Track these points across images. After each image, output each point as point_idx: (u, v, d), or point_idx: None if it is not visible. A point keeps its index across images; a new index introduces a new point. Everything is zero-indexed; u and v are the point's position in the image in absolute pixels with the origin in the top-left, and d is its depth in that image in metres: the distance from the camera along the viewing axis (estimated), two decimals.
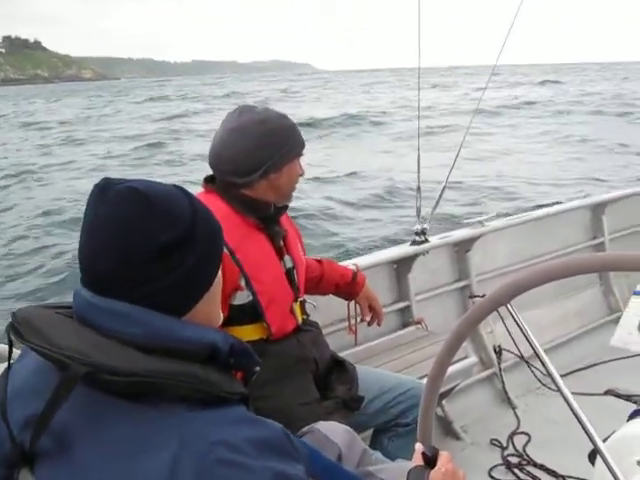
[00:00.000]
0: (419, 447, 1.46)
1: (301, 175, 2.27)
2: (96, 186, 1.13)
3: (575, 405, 1.30)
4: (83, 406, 1.05)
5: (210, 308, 1.20)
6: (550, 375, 1.37)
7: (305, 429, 1.76)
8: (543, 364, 1.38)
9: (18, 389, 1.17)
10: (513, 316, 1.40)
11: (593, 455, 1.50)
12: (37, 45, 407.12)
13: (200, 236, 1.13)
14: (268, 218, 2.23)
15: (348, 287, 2.66)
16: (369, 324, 2.74)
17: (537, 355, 1.39)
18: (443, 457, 1.42)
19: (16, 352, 1.19)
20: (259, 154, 2.14)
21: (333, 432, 1.73)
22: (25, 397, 1.14)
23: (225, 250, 2.00)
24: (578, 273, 1.29)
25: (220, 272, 1.21)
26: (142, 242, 1.08)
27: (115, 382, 0.99)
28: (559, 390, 1.34)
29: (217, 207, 2.12)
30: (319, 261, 2.65)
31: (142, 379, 1.00)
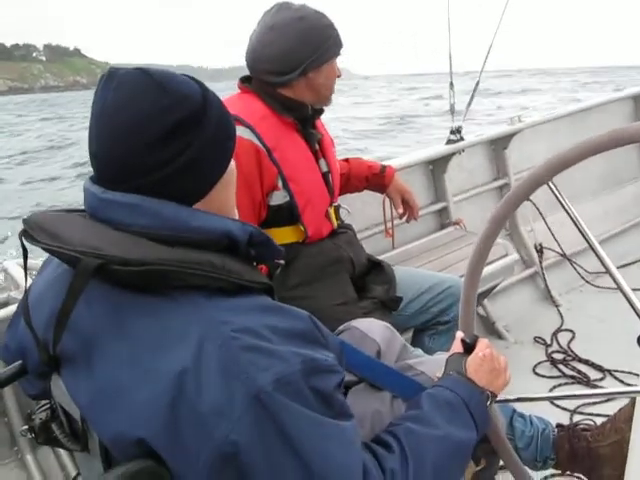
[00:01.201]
0: (459, 335, 1.42)
1: (338, 76, 2.20)
2: (102, 75, 1.08)
3: (626, 287, 1.24)
4: (101, 303, 1.04)
5: (225, 197, 1.14)
6: (602, 262, 1.29)
7: (342, 327, 1.73)
8: (593, 250, 1.30)
9: (39, 296, 1.17)
10: (557, 197, 1.32)
11: None
12: (76, 52, 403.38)
13: (211, 117, 1.07)
14: (305, 120, 2.18)
15: (377, 179, 2.58)
16: (401, 217, 2.66)
17: (589, 243, 1.31)
18: (482, 342, 1.38)
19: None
20: (299, 52, 2.07)
21: (371, 329, 1.69)
22: (46, 302, 1.14)
23: (263, 149, 2.02)
24: (622, 144, 1.20)
25: (234, 162, 1.15)
26: (151, 122, 1.02)
27: (128, 273, 0.96)
28: (612, 276, 1.27)
29: (254, 107, 2.10)
30: (346, 160, 2.59)
31: (154, 267, 0.96)
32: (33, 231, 1.05)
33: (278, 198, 2.10)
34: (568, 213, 1.32)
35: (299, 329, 1.02)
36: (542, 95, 34.23)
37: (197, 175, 1.07)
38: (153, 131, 1.02)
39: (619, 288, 1.26)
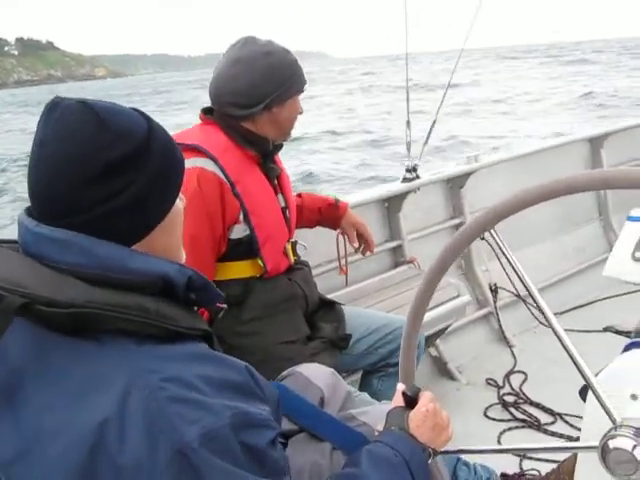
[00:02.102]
0: (400, 387, 1.38)
1: (300, 113, 2.22)
2: (45, 105, 1.03)
3: (567, 340, 1.22)
4: (26, 344, 0.98)
5: (168, 239, 1.09)
6: (540, 309, 1.28)
7: (286, 372, 1.69)
8: (532, 298, 1.29)
9: None
10: (498, 244, 1.31)
11: (584, 391, 1.43)
12: (49, 45, 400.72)
13: (156, 155, 1.03)
14: (266, 154, 2.18)
15: (331, 211, 2.56)
16: (356, 251, 2.64)
17: (529, 292, 1.29)
18: (425, 396, 1.34)
19: None
20: (264, 86, 2.08)
21: (315, 375, 1.66)
22: None
23: (226, 182, 2.01)
24: (564, 193, 1.18)
25: (181, 203, 1.10)
26: (88, 157, 0.98)
27: (54, 314, 0.91)
28: (550, 326, 1.25)
29: (217, 139, 2.09)
30: (298, 194, 2.57)
31: (83, 310, 0.91)
32: None
33: (238, 232, 2.08)
34: (508, 260, 1.30)
35: (233, 380, 0.97)
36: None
37: (137, 215, 1.02)
38: (91, 168, 0.98)
39: (557, 337, 1.24)
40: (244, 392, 0.98)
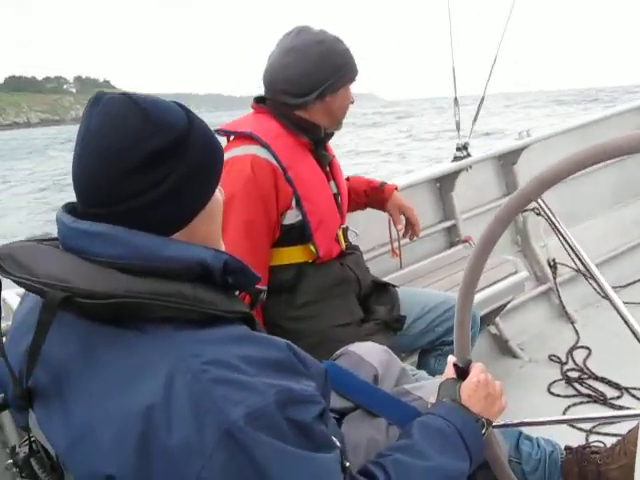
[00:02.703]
0: (451, 359, 1.37)
1: (352, 102, 2.23)
2: (90, 99, 1.07)
3: (627, 314, 1.20)
4: (72, 337, 1.01)
5: (208, 228, 1.11)
6: (599, 285, 1.25)
7: (339, 351, 1.70)
8: (589, 272, 1.27)
9: (16, 328, 1.16)
10: (549, 215, 1.28)
11: None
12: (106, 84, 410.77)
13: (195, 146, 1.05)
14: (318, 141, 2.20)
15: (377, 193, 2.56)
16: (404, 235, 2.62)
17: (585, 268, 1.27)
18: (475, 367, 1.34)
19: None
20: (317, 75, 2.09)
21: (369, 353, 1.66)
22: (22, 334, 1.12)
23: (279, 168, 2.03)
24: (612, 156, 1.15)
25: (220, 195, 1.12)
26: (132, 147, 1.00)
27: (95, 306, 0.94)
28: (611, 302, 1.23)
29: (270, 126, 2.11)
30: (346, 178, 2.56)
31: (122, 300, 0.93)
32: (4, 262, 1.03)
33: (291, 217, 2.10)
34: (561, 232, 1.28)
35: (275, 358, 0.98)
36: None
37: (176, 204, 1.04)
38: (133, 158, 1.00)
39: (617, 311, 1.22)
40: (286, 369, 0.98)
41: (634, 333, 1.20)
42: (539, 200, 1.28)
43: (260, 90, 2.21)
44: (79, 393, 0.98)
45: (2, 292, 1.82)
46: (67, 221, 1.04)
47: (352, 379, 1.43)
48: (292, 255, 2.13)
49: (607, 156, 1.14)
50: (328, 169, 2.26)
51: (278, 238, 2.10)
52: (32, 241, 1.12)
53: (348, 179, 2.56)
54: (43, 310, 0.95)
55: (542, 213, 1.29)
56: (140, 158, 1.00)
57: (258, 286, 1.15)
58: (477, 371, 1.32)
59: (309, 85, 2.09)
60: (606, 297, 1.25)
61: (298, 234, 2.12)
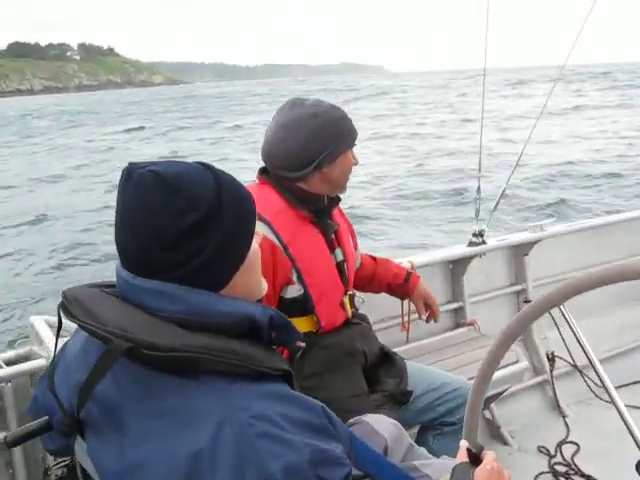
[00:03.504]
0: (464, 443, 1.45)
1: (355, 164, 2.25)
2: (123, 171, 1.16)
3: (626, 414, 1.29)
4: (128, 380, 1.11)
5: (248, 278, 1.21)
6: (602, 382, 1.35)
7: (352, 420, 1.78)
8: (596, 372, 1.36)
9: (69, 362, 1.25)
10: (567, 319, 1.39)
11: None
12: (110, 51, 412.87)
13: (226, 210, 1.14)
14: (321, 211, 2.24)
15: (400, 288, 2.64)
16: (427, 321, 2.71)
17: (591, 363, 1.37)
18: (489, 455, 1.41)
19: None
20: (311, 148, 2.12)
21: (380, 425, 1.73)
22: (74, 369, 1.21)
23: (279, 245, 2.05)
24: (636, 277, 1.26)
25: (256, 243, 1.22)
26: (167, 226, 1.10)
27: (155, 357, 1.03)
28: (611, 398, 1.32)
29: (271, 200, 2.15)
30: (374, 258, 2.64)
31: (181, 354, 1.03)
32: (70, 305, 1.14)
33: (293, 291, 2.15)
34: (573, 331, 1.38)
35: (311, 421, 1.07)
36: None
37: (218, 268, 1.15)
38: (166, 235, 1.10)
39: (616, 408, 1.31)
40: (321, 431, 1.07)
41: (630, 430, 1.27)
42: (562, 306, 1.39)
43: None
44: (134, 430, 1.07)
45: (31, 317, 1.95)
46: (127, 277, 1.14)
47: (365, 449, 1.50)
48: (297, 326, 2.16)
49: (638, 275, 1.25)
50: (334, 237, 2.29)
51: (282, 310, 2.12)
52: (94, 287, 1.23)
53: (375, 260, 2.63)
54: (106, 356, 1.05)
55: (564, 316, 1.39)
56: (173, 236, 1.10)
57: (298, 343, 1.25)
58: (490, 459, 1.40)
59: (305, 159, 2.12)
60: (602, 395, 1.34)
61: (301, 307, 2.17)
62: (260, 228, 2.05)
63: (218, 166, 1.20)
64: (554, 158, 17.32)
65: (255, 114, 42.85)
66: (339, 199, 2.32)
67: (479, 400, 1.48)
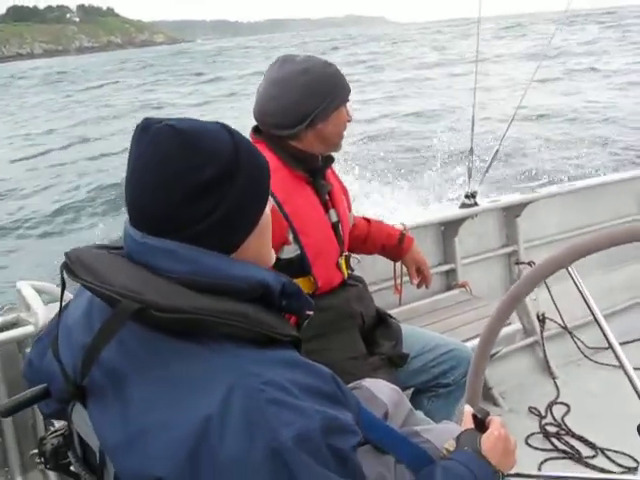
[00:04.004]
0: (468, 409, 1.44)
1: (349, 121, 2.22)
2: (137, 126, 1.12)
3: (631, 370, 1.27)
4: (134, 344, 1.07)
5: (260, 243, 1.18)
6: (607, 339, 1.33)
7: (352, 385, 1.75)
8: (601, 329, 1.35)
9: (71, 326, 1.20)
10: (575, 280, 1.37)
11: None
12: (110, 12, 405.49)
13: (243, 169, 1.11)
14: (315, 171, 2.22)
15: (394, 249, 2.62)
16: (418, 286, 2.70)
17: (596, 321, 1.35)
18: (495, 421, 1.40)
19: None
20: (304, 104, 2.10)
21: (381, 390, 1.72)
22: (77, 334, 1.17)
23: (273, 203, 2.01)
24: None
25: (269, 208, 1.19)
26: (184, 181, 1.06)
27: (164, 319, 0.99)
28: (615, 355, 1.30)
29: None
30: (367, 220, 2.62)
31: (189, 316, 0.99)
32: (74, 266, 1.09)
33: (289, 252, 2.12)
34: (581, 293, 1.36)
35: (322, 387, 1.05)
36: None
37: (233, 228, 1.11)
38: (185, 189, 1.06)
39: (622, 366, 1.30)
40: (331, 399, 1.05)
41: (635, 388, 1.26)
42: (569, 268, 1.36)
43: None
44: (140, 396, 1.04)
45: (18, 283, 1.89)
46: (135, 236, 1.10)
47: (366, 414, 1.48)
48: None
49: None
50: (328, 197, 2.27)
51: (278, 271, 2.12)
52: (100, 248, 1.18)
53: (369, 222, 2.61)
54: (113, 318, 1.01)
55: (573, 279, 1.36)
56: (192, 190, 1.06)
57: (307, 312, 1.22)
58: (498, 425, 1.39)
59: (297, 116, 2.10)
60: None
61: (298, 267, 2.14)
62: None
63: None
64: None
65: (238, 68, 42.59)
66: (332, 159, 2.30)
67: (483, 364, 1.47)
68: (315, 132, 2.14)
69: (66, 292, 1.17)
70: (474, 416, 1.40)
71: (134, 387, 1.05)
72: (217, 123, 1.16)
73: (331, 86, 2.14)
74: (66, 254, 1.13)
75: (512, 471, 1.49)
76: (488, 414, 1.41)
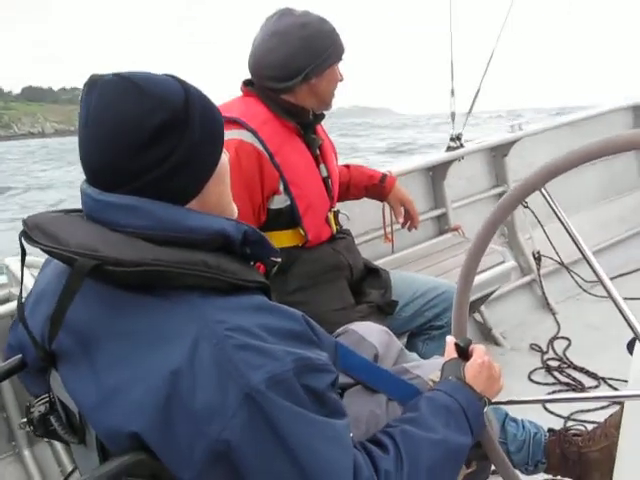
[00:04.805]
0: (451, 339, 1.43)
1: (340, 81, 2.23)
2: (84, 84, 1.10)
3: (622, 303, 1.26)
4: (98, 302, 1.06)
5: (219, 192, 1.16)
6: (595, 273, 1.32)
7: (340, 329, 1.75)
8: (589, 263, 1.33)
9: (39, 294, 1.20)
10: (549, 202, 1.35)
11: (632, 344, 1.47)
12: None
13: (194, 116, 1.09)
14: (306, 125, 2.21)
15: (377, 189, 2.60)
16: (402, 226, 2.68)
17: (582, 254, 1.34)
18: (478, 349, 1.40)
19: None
20: (301, 58, 2.10)
21: (369, 332, 1.71)
22: (44, 300, 1.17)
23: (265, 153, 2.04)
24: (613, 151, 1.22)
25: (225, 157, 1.17)
26: (133, 127, 1.04)
27: (123, 274, 0.98)
28: (605, 288, 1.29)
29: (257, 111, 2.12)
30: (347, 166, 2.61)
31: (149, 268, 0.98)
32: (32, 232, 1.08)
33: (279, 202, 2.12)
34: (561, 221, 1.34)
35: (292, 329, 1.04)
36: None
37: (187, 175, 1.09)
38: (136, 136, 1.04)
39: (610, 296, 1.29)
40: (302, 339, 1.04)
41: (621, 312, 1.26)
42: (543, 189, 1.34)
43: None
44: (107, 355, 1.03)
45: (6, 259, 1.88)
46: (92, 194, 1.08)
47: (353, 356, 1.48)
48: (282, 239, 2.14)
49: (617, 149, 1.21)
50: (318, 152, 2.27)
51: (267, 223, 2.12)
52: (58, 212, 1.17)
53: (349, 168, 2.59)
54: (71, 277, 1.00)
55: (547, 200, 1.35)
56: (144, 136, 1.04)
57: (273, 258, 1.20)
58: (481, 353, 1.39)
59: (293, 69, 2.10)
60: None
61: (287, 219, 2.15)
62: (246, 137, 2.06)
63: None
64: None
65: None
66: (323, 116, 2.29)
67: (465, 296, 1.46)
68: (309, 87, 2.14)
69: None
70: (457, 345, 1.40)
71: (101, 347, 1.04)
72: (168, 74, 1.14)
73: (328, 43, 2.14)
74: (24, 221, 1.12)
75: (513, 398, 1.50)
76: (470, 342, 1.41)
